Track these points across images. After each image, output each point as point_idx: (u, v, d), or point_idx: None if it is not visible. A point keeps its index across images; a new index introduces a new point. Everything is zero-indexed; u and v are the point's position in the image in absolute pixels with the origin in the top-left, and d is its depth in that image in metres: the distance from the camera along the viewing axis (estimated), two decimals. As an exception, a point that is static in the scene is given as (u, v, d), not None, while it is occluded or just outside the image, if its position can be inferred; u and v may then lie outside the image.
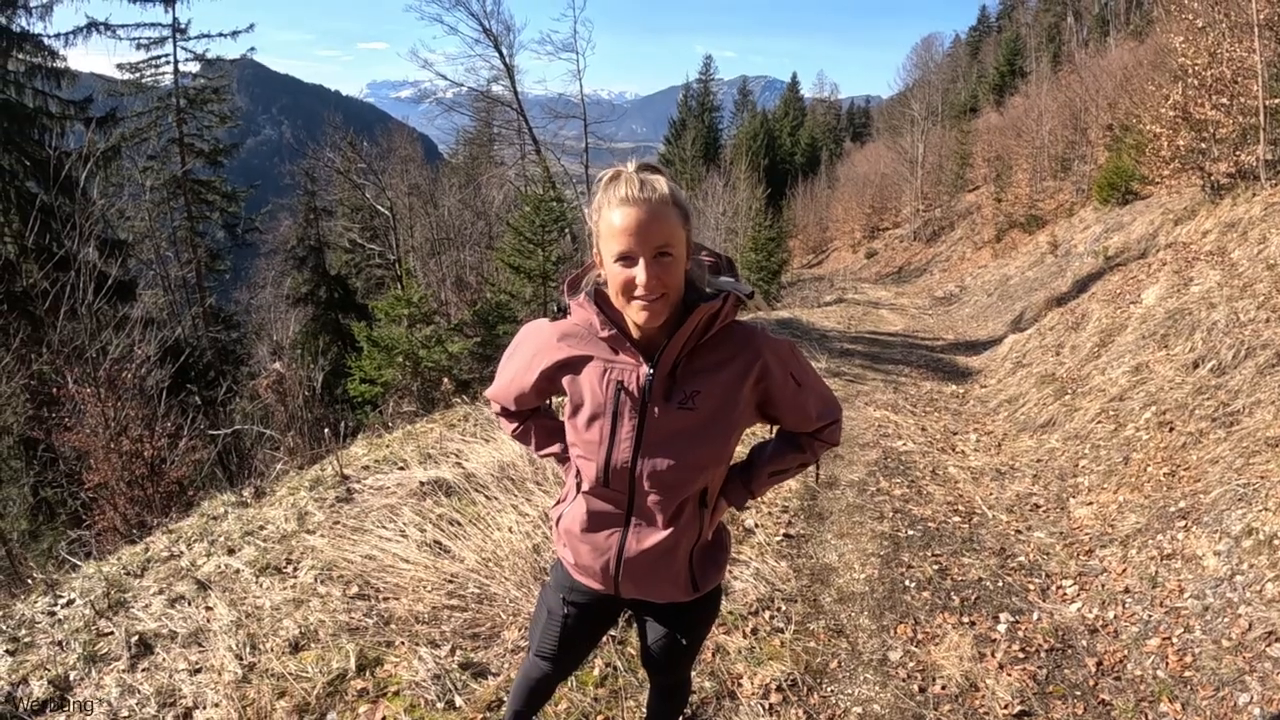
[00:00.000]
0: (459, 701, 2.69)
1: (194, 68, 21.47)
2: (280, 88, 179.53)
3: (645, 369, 1.52)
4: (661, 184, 1.41)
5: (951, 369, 10.62)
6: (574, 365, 1.59)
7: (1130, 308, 8.20)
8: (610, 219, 1.40)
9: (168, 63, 21.06)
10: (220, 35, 21.44)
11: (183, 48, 21.12)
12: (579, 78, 25.23)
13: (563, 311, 1.59)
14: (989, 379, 9.42)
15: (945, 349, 12.66)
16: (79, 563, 4.31)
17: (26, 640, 3.10)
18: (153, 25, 20.80)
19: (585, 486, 1.66)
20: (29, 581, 4.15)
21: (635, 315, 1.45)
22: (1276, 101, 9.32)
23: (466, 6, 23.77)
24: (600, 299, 1.53)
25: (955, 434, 7.20)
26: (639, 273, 1.39)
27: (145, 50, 20.83)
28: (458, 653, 2.96)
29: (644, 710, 2.66)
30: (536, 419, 1.87)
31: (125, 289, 14.17)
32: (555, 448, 1.86)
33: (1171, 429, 5.25)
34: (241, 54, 22.79)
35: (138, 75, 20.87)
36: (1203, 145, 10.37)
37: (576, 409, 1.59)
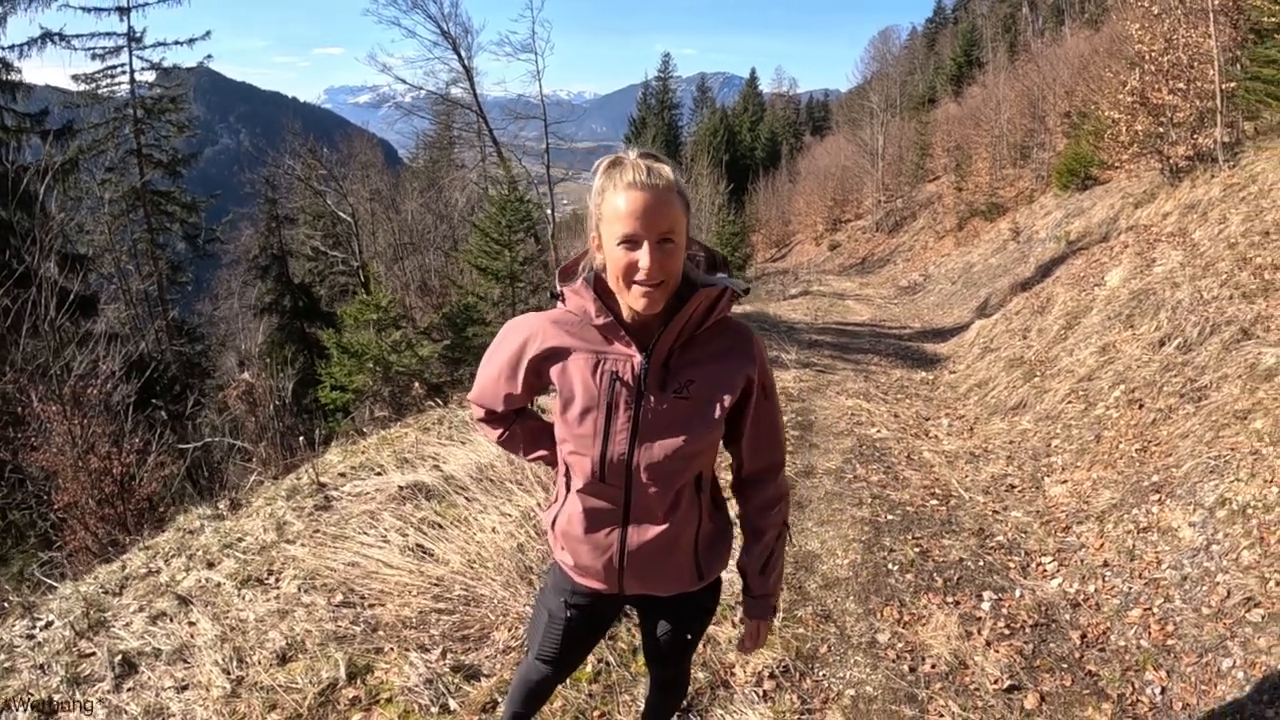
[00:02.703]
0: (453, 705, 2.67)
1: (150, 77, 21.08)
2: (237, 96, 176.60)
3: (639, 358, 1.51)
4: (667, 171, 1.41)
5: (920, 356, 10.73)
6: (562, 354, 1.56)
7: (1095, 290, 8.35)
8: (615, 203, 1.39)
9: (123, 72, 20.64)
10: (177, 43, 21.00)
11: (139, 57, 20.71)
12: (539, 78, 25.11)
13: (556, 298, 1.58)
14: (958, 364, 9.54)
15: (912, 337, 12.79)
16: (55, 584, 4.22)
17: (7, 665, 3.03)
18: (108, 34, 20.40)
19: (579, 484, 1.63)
20: (4, 606, 4.05)
21: (634, 301, 1.43)
22: (1232, 85, 9.55)
23: (424, 9, 23.59)
24: (598, 285, 1.51)
25: (928, 419, 7.29)
26: (642, 257, 1.38)
27: (101, 60, 20.43)
28: (448, 656, 2.94)
29: (639, 704, 2.66)
30: (522, 422, 1.84)
31: (87, 304, 13.85)
32: (543, 451, 1.83)
33: (1141, 406, 5.36)
34: (199, 61, 22.30)
35: (93, 86, 20.41)
36: (1160, 130, 10.57)
37: (567, 404, 1.56)
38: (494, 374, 1.70)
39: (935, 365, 9.89)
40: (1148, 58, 10.53)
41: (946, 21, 59.76)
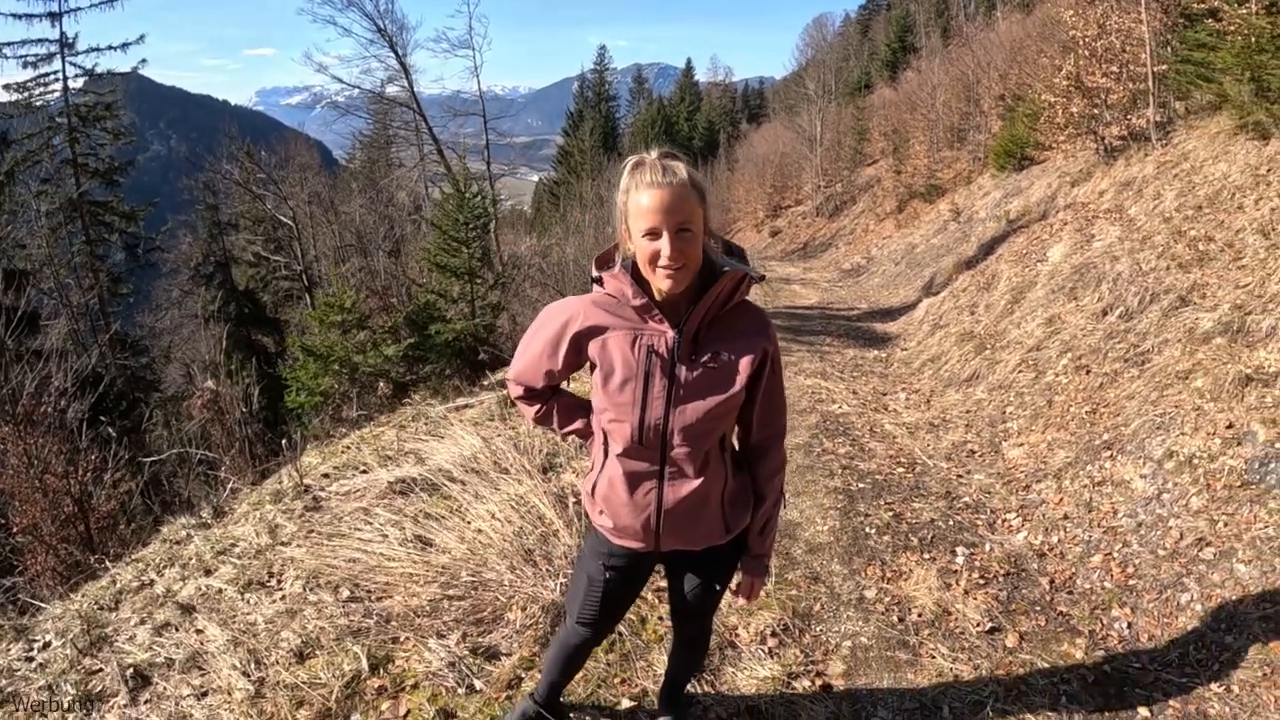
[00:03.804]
0: (478, 684, 2.77)
1: (83, 83, 20.41)
2: (167, 101, 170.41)
3: (672, 334, 1.71)
4: (681, 170, 1.61)
5: (871, 335, 11.03)
6: (602, 331, 1.75)
7: (1038, 265, 8.74)
8: (638, 200, 1.60)
9: (56, 79, 20.00)
10: (110, 48, 20.39)
11: (72, 63, 20.08)
12: (476, 74, 25.05)
13: (595, 282, 1.77)
14: (909, 341, 9.86)
15: (861, 317, 13.10)
16: (43, 604, 4.17)
17: (10, 690, 2.96)
18: (40, 41, 19.79)
19: (618, 450, 1.81)
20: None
21: (660, 283, 1.64)
22: (1164, 68, 10.04)
23: (360, 7, 23.36)
24: (634, 271, 1.70)
25: (885, 394, 7.56)
26: (663, 246, 1.58)
27: (33, 68, 19.78)
28: (466, 639, 3.02)
29: (655, 669, 2.82)
30: (558, 399, 2.01)
31: (30, 321, 13.40)
32: (578, 424, 1.99)
33: (1088, 372, 5.71)
34: (133, 67, 21.60)
35: (26, 95, 19.74)
36: (1095, 111, 11.07)
37: (608, 376, 1.75)
38: (536, 352, 1.87)
39: (887, 343, 10.20)
40: (1082, 43, 11.02)
41: (880, 8, 60.55)
